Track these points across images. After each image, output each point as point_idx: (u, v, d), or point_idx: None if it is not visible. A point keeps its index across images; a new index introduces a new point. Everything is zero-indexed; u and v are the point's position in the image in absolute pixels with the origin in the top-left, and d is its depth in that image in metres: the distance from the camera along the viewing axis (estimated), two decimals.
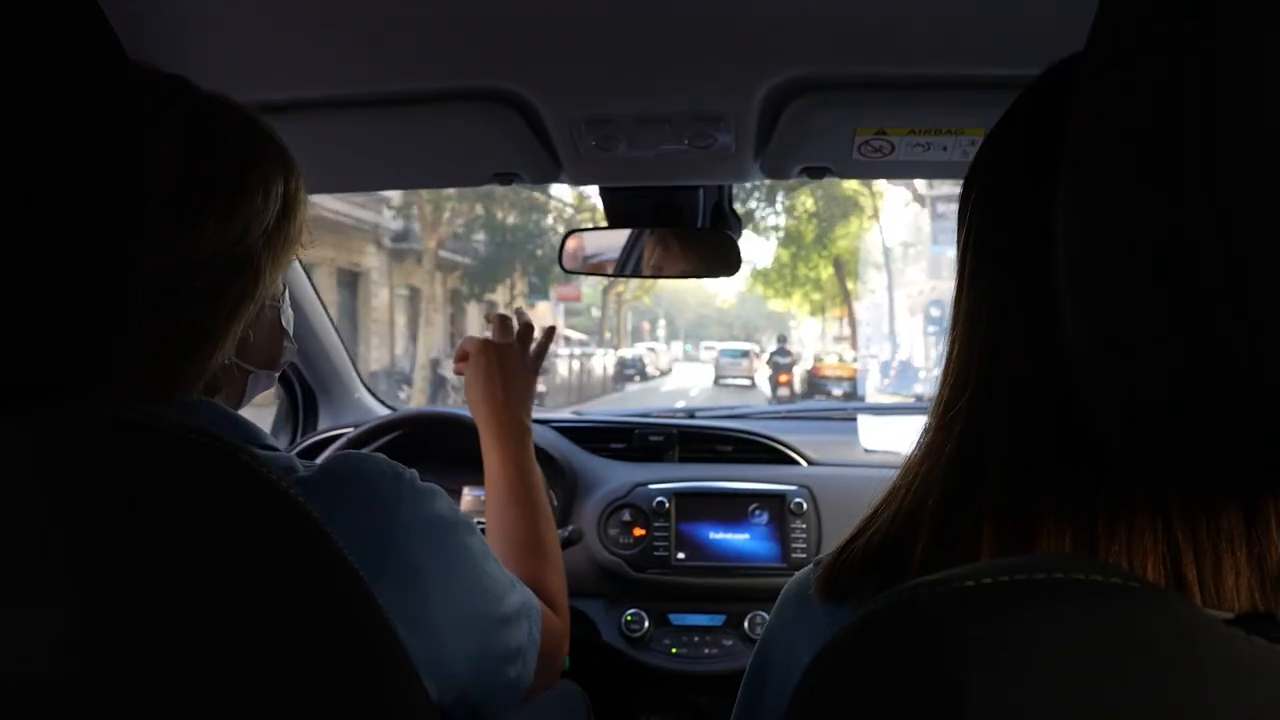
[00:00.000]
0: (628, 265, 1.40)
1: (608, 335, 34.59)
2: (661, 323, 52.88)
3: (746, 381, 25.33)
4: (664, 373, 32.94)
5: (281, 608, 0.41)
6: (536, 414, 1.82)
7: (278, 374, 0.75)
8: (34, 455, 0.40)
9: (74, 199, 0.41)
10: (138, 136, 0.45)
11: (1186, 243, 0.26)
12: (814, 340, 35.47)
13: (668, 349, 40.83)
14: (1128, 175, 0.29)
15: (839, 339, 31.08)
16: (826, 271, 23.79)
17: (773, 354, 16.70)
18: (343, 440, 1.54)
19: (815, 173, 1.13)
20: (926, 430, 0.51)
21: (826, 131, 0.99)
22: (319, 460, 0.65)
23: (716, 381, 26.06)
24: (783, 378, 15.45)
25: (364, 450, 1.46)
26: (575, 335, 31.65)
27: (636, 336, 45.52)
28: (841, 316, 28.58)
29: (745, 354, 27.63)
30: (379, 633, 0.47)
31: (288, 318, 0.74)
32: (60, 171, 0.40)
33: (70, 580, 0.38)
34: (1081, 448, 0.39)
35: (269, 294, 0.67)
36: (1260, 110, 0.25)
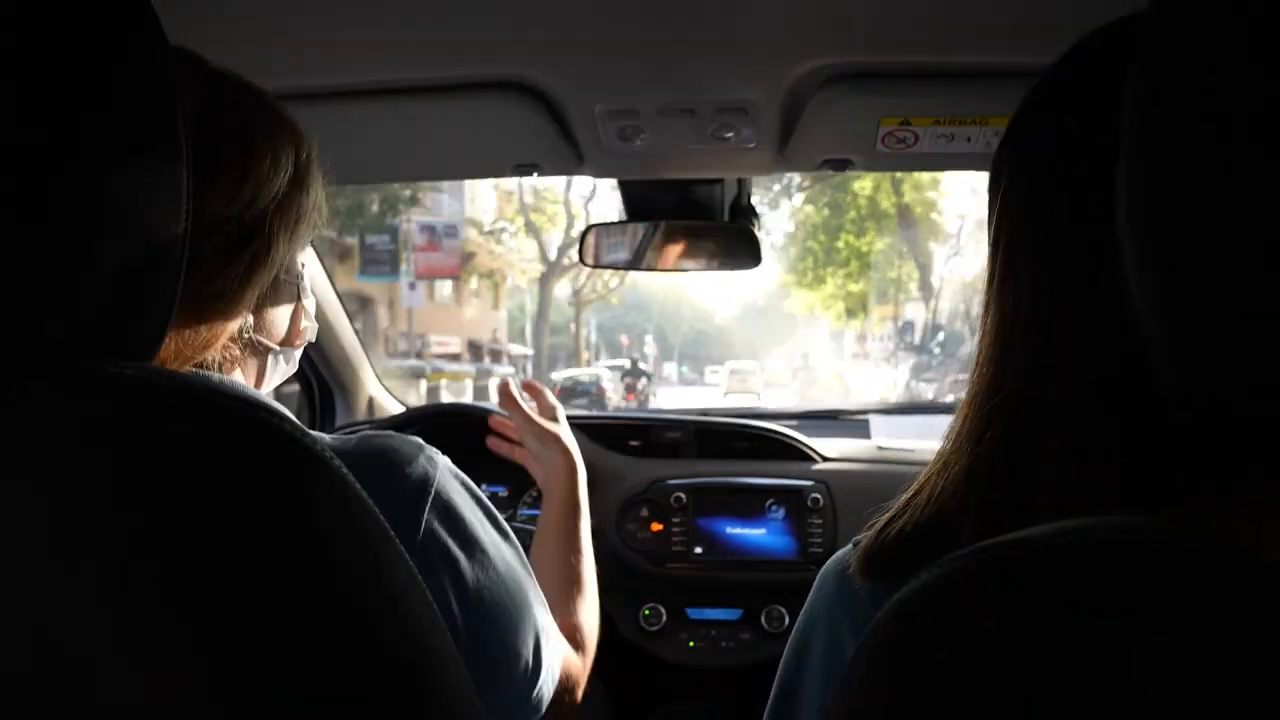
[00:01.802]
0: (646, 258, 1.40)
1: (560, 347, 27.96)
2: (650, 339, 42.58)
3: (754, 397, 25.83)
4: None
5: (323, 571, 0.41)
6: None
7: (298, 353, 0.76)
8: (75, 421, 0.40)
9: (125, 169, 0.41)
10: (178, 110, 0.45)
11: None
12: (828, 357, 29.96)
13: (649, 367, 28.40)
14: (1209, 148, 0.29)
15: (857, 356, 26.19)
16: (880, 242, 17.46)
17: (796, 369, 17.27)
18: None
19: (838, 165, 1.13)
20: (961, 419, 0.51)
21: (851, 122, 0.99)
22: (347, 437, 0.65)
23: (726, 395, 26.50)
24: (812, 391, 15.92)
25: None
26: (514, 347, 25.90)
27: (613, 351, 37.00)
28: (896, 317, 21.03)
29: (753, 370, 29.06)
30: (421, 606, 0.48)
31: (309, 298, 0.74)
32: (115, 142, 0.40)
33: (106, 549, 0.38)
34: (1149, 427, 0.39)
35: (284, 266, 0.68)
36: None
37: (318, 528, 0.42)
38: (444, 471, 0.66)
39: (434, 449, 0.67)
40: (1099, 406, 0.43)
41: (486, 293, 25.77)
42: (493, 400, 1.18)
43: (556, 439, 1.08)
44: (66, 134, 0.39)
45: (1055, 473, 0.43)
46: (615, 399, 19.40)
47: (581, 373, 21.80)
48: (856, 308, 20.38)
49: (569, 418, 1.75)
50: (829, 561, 0.59)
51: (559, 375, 21.64)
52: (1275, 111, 0.27)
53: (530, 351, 24.96)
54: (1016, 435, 0.47)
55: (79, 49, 0.40)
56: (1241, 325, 0.29)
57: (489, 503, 0.70)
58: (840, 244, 17.55)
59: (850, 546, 0.57)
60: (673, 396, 25.15)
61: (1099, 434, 0.42)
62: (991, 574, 0.30)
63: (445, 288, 22.36)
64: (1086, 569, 0.29)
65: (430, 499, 0.63)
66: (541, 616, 0.72)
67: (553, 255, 20.98)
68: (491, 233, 21.86)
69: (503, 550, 0.69)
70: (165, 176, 0.43)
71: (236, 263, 0.63)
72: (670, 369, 43.96)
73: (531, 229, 20.92)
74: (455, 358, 22.22)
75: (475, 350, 23.82)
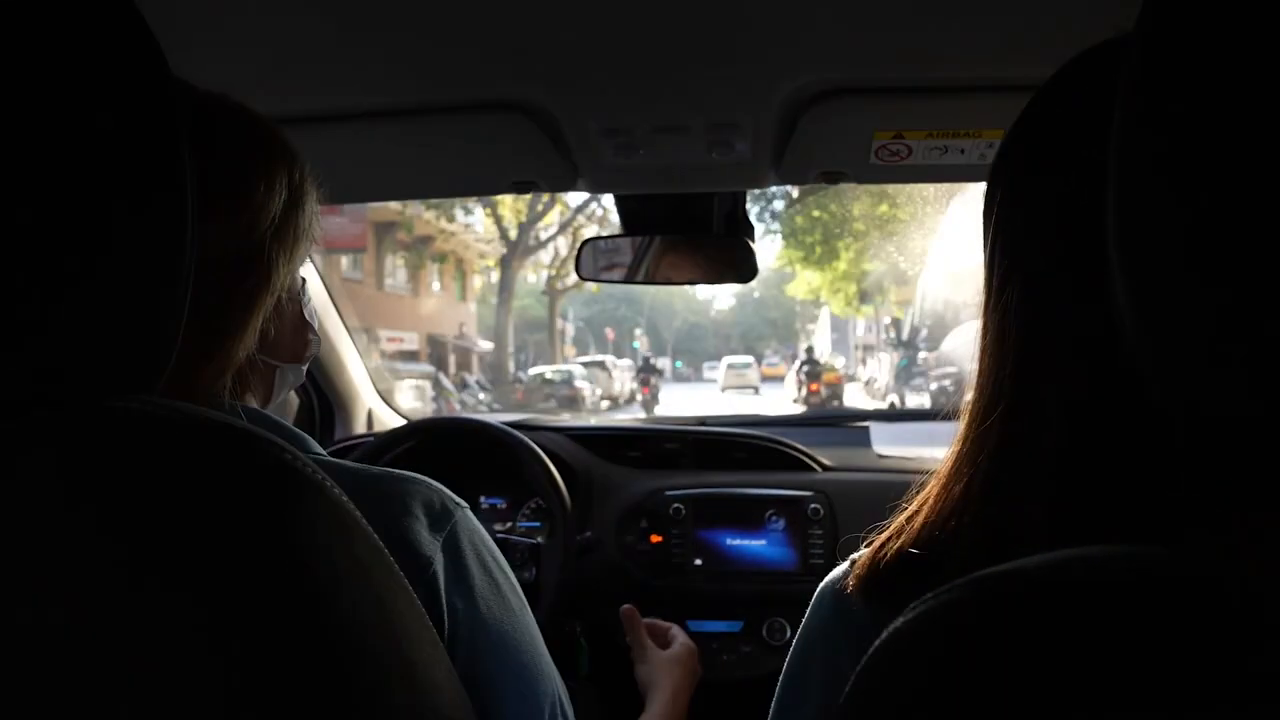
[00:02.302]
0: (642, 272, 1.41)
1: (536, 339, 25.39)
2: (639, 332, 39.88)
3: (751, 391, 26.03)
4: (615, 402, 20.41)
5: (327, 605, 0.41)
6: (550, 422, 1.83)
7: (305, 367, 0.76)
8: (68, 457, 0.40)
9: (132, 206, 0.41)
10: (183, 144, 0.45)
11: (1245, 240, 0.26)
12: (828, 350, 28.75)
13: (632, 363, 24.30)
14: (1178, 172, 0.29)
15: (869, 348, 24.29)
16: (903, 211, 11.57)
17: (802, 364, 16.99)
18: (359, 451, 1.54)
19: (832, 177, 1.13)
20: (959, 440, 0.51)
21: (844, 135, 1.00)
22: (369, 467, 0.65)
23: (724, 390, 26.62)
24: (813, 385, 15.82)
25: (385, 460, 1.46)
26: (485, 343, 22.28)
27: (600, 347, 34.21)
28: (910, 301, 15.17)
29: (749, 365, 29.72)
30: (426, 643, 0.48)
31: (310, 311, 0.75)
32: (120, 181, 0.41)
33: (103, 579, 0.38)
34: (1141, 449, 0.39)
35: (285, 287, 0.68)
36: None
37: (318, 561, 0.42)
38: (464, 516, 0.65)
39: (460, 500, 0.66)
40: (1087, 429, 0.43)
41: (453, 282, 23.06)
42: None
43: (666, 664, 1.09)
44: (72, 171, 0.39)
45: (1046, 496, 0.43)
46: (591, 398, 17.93)
47: (551, 370, 19.41)
48: (873, 290, 17.39)
49: (571, 431, 1.75)
50: (825, 581, 0.59)
51: (528, 374, 19.64)
52: (1261, 132, 0.27)
53: (484, 345, 22.23)
54: (1008, 457, 0.47)
55: (86, 88, 0.40)
56: (1231, 344, 0.29)
57: (506, 565, 0.69)
58: (855, 210, 14.15)
59: (847, 565, 0.57)
60: (667, 396, 20.87)
61: (1088, 458, 0.42)
62: (986, 606, 0.30)
63: (400, 274, 19.83)
64: (1080, 601, 0.29)
65: (445, 539, 0.62)
66: (560, 690, 0.70)
67: (514, 233, 18.19)
68: (439, 206, 18.55)
69: (514, 602, 0.67)
70: (168, 213, 0.43)
71: (239, 294, 0.63)
72: (664, 365, 39.72)
73: (487, 203, 17.96)
74: (412, 355, 19.53)
75: (438, 347, 21.04)
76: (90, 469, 0.39)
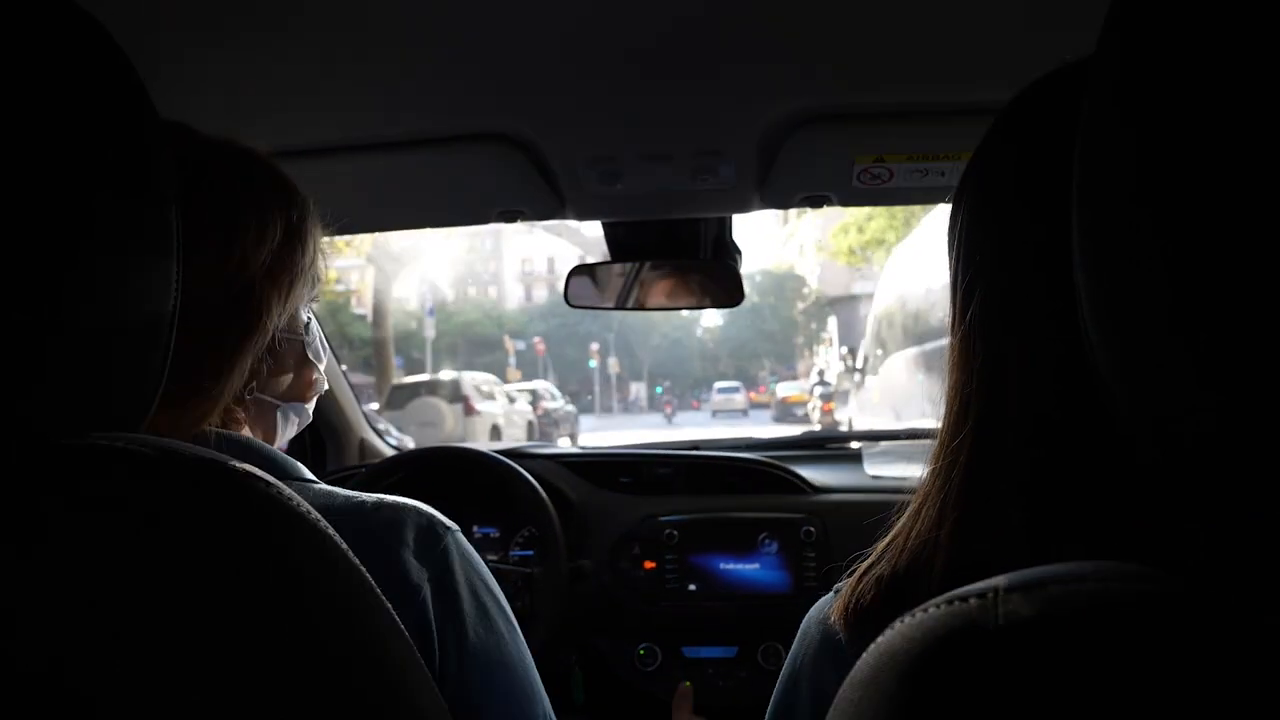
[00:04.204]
0: (631, 298, 1.42)
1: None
2: (595, 347, 31.21)
3: (741, 414, 26.51)
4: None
5: (311, 640, 0.41)
6: (541, 450, 1.82)
7: (310, 405, 0.75)
8: (58, 490, 0.40)
9: (113, 245, 0.42)
10: (171, 193, 0.46)
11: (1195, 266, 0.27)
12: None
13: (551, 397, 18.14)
14: (1135, 199, 0.30)
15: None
16: None
17: (814, 385, 17.54)
18: (354, 483, 1.54)
19: (815, 201, 1.15)
20: (933, 458, 0.51)
21: (826, 160, 1.01)
22: (362, 495, 0.65)
23: (714, 415, 26.99)
24: (826, 405, 16.14)
25: (377, 490, 1.46)
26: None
27: (562, 369, 27.71)
28: None
29: (738, 389, 30.71)
30: (417, 679, 0.47)
31: (315, 350, 0.74)
32: (105, 223, 0.41)
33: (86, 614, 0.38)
34: (1101, 466, 0.40)
35: (281, 325, 0.68)
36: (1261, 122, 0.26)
37: (303, 595, 0.42)
38: (455, 541, 0.65)
39: (451, 523, 0.66)
40: (1054, 442, 0.43)
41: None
42: None
43: None
44: (58, 217, 0.40)
45: (1019, 510, 0.44)
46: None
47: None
48: (873, 246, 13.89)
49: (562, 457, 1.75)
50: (812, 610, 0.59)
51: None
52: (1221, 154, 0.28)
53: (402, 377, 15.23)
54: (979, 473, 0.47)
55: (73, 135, 0.40)
56: (1184, 352, 0.29)
57: (497, 589, 0.69)
58: None
59: (832, 594, 0.57)
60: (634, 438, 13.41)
61: (1057, 470, 0.43)
62: (957, 626, 0.31)
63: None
64: (1049, 619, 0.29)
65: (434, 565, 0.62)
66: (550, 715, 0.70)
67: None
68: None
69: (503, 626, 0.67)
70: (154, 258, 0.44)
71: (227, 332, 0.63)
72: (638, 391, 34.39)
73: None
74: None
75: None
76: (70, 504, 0.39)
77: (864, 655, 0.33)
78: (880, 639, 0.33)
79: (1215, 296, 0.28)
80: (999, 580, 0.31)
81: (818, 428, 14.27)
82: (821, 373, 18.18)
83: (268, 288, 0.65)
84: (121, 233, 0.42)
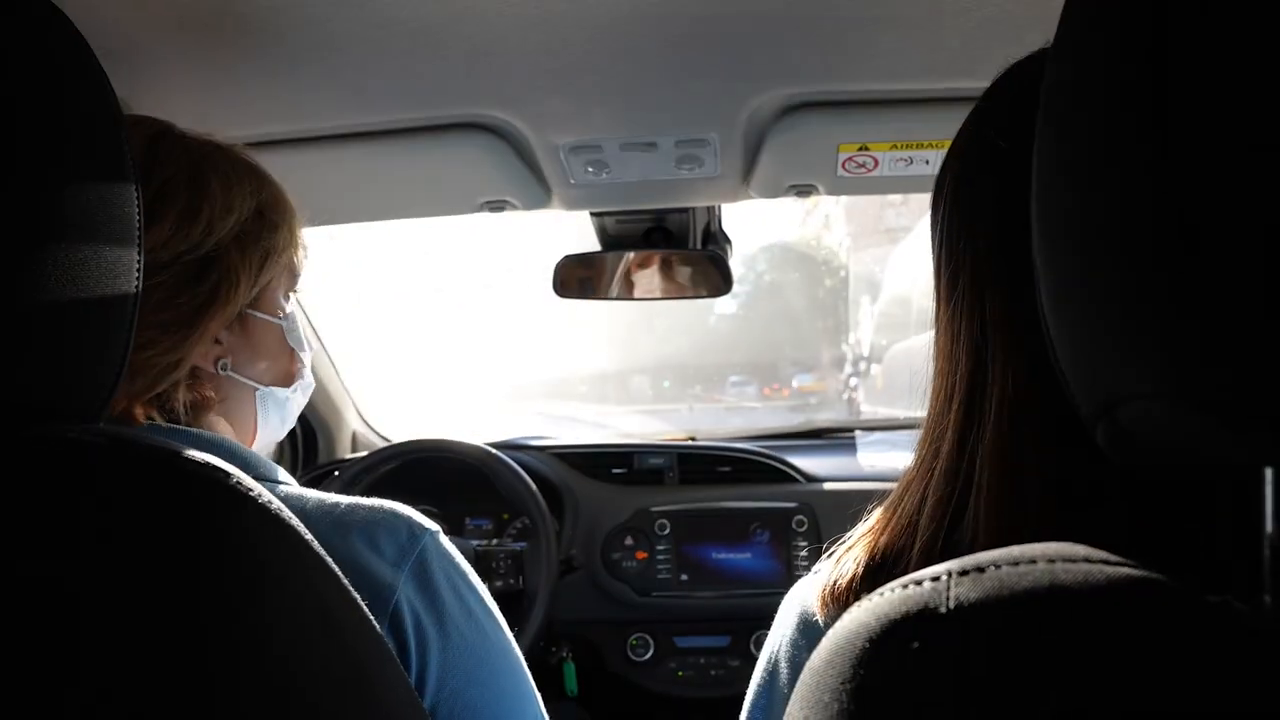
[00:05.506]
0: (619, 288, 1.41)
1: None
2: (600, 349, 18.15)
3: (752, 404, 26.65)
4: None
5: (283, 641, 0.41)
6: (531, 441, 1.82)
7: (297, 396, 0.74)
8: (15, 484, 0.39)
9: (78, 233, 0.41)
10: (130, 170, 0.45)
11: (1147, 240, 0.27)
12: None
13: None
14: (1091, 167, 0.29)
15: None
16: None
17: (848, 377, 17.71)
18: (345, 475, 1.54)
19: (802, 191, 1.14)
20: (920, 444, 0.52)
21: (811, 149, 1.01)
22: (335, 497, 0.64)
23: (726, 409, 27.26)
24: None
25: (367, 483, 1.45)
26: None
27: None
28: None
29: (749, 382, 29.60)
30: (390, 677, 0.47)
31: (297, 339, 0.73)
32: (67, 205, 0.41)
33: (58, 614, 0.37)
34: (1068, 456, 0.40)
35: (252, 300, 0.68)
36: (1214, 105, 0.25)
37: (269, 592, 0.42)
38: (432, 541, 0.64)
39: (428, 520, 0.65)
40: (1030, 432, 0.43)
41: None
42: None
43: None
44: (16, 203, 0.39)
45: (987, 500, 0.43)
46: None
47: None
48: None
49: (553, 449, 1.75)
50: (791, 591, 0.59)
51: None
52: (1168, 139, 0.27)
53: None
54: (960, 456, 0.47)
55: (33, 122, 0.40)
56: (1134, 336, 0.29)
57: (482, 588, 0.68)
58: None
59: (811, 576, 0.57)
60: None
61: (1026, 465, 0.43)
62: (916, 604, 0.30)
63: None
64: (1011, 599, 0.29)
65: (410, 567, 0.61)
66: (542, 712, 0.69)
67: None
68: None
69: (489, 626, 0.66)
70: (114, 245, 0.43)
71: (187, 293, 0.62)
72: (640, 384, 35.16)
73: None
74: None
75: None
76: (30, 497, 0.39)
77: (823, 639, 0.33)
78: (838, 623, 0.33)
79: (1160, 284, 0.27)
80: (953, 564, 0.31)
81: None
82: (856, 359, 18.06)
83: (236, 257, 0.65)
84: (81, 218, 0.42)
